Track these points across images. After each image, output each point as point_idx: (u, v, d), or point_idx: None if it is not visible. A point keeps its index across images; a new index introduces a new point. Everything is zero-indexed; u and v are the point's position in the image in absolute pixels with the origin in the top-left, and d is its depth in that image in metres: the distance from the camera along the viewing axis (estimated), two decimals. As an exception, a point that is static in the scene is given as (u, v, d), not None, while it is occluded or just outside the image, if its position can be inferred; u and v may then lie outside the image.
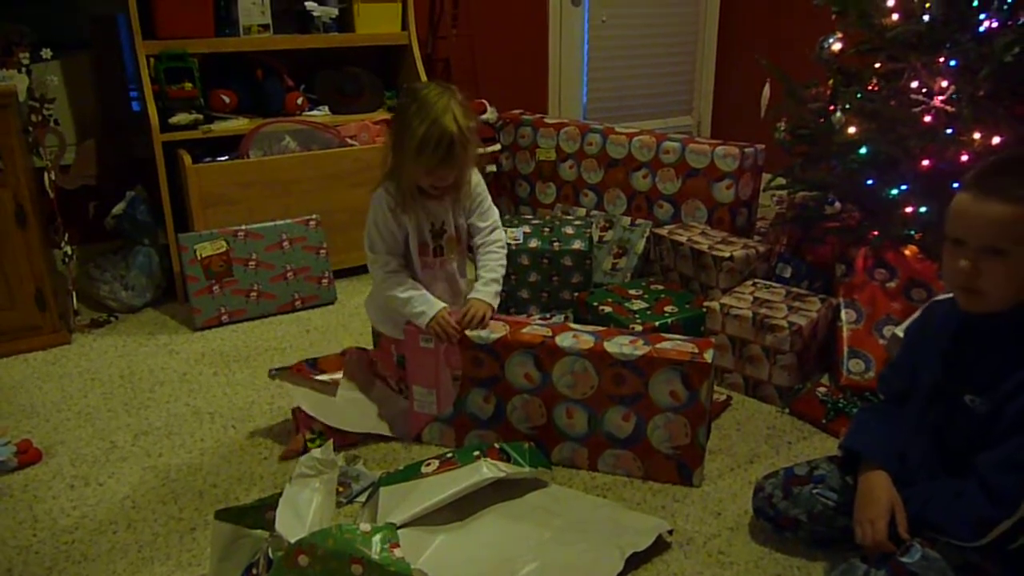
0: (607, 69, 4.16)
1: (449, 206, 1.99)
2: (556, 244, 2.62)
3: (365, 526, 1.36)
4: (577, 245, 2.62)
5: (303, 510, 1.51)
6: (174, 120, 2.72)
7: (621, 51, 4.18)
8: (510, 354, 1.84)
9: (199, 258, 2.63)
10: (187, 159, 2.70)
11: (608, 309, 2.40)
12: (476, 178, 2.05)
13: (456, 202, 2.01)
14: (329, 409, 1.95)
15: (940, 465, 1.42)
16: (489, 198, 2.09)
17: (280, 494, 1.51)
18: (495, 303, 1.98)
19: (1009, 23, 2.02)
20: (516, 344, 1.83)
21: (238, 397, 2.21)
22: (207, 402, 2.19)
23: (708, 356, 1.72)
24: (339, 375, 2.04)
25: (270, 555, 1.37)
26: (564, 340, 1.80)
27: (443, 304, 1.92)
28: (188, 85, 2.73)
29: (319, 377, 2.03)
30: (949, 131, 2.09)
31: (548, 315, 2.62)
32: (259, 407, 2.15)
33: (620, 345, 1.77)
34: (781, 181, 2.67)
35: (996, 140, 1.99)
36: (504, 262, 2.06)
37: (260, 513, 1.49)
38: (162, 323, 2.69)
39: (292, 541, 1.36)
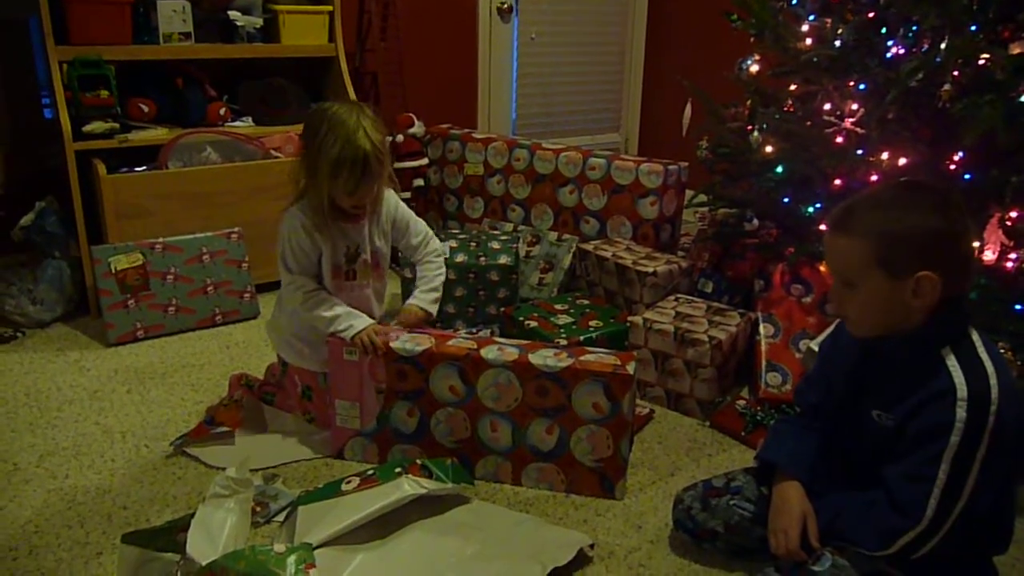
0: (537, 85, 4.21)
1: (365, 228, 1.97)
2: (483, 259, 2.62)
3: (279, 547, 1.33)
4: (504, 260, 2.62)
5: (216, 531, 1.46)
6: (88, 128, 2.62)
7: (551, 68, 4.23)
8: (435, 366, 1.82)
9: (114, 271, 2.54)
10: (102, 169, 2.60)
11: (534, 324, 2.41)
12: (395, 200, 2.05)
13: (374, 224, 2.00)
14: (236, 455, 1.86)
15: (850, 477, 1.47)
16: (413, 215, 2.11)
17: (192, 515, 1.46)
18: (432, 309, 2.04)
19: (914, 49, 2.12)
20: (441, 356, 1.82)
21: (152, 415, 2.13)
22: (119, 421, 2.10)
23: (630, 368, 1.74)
24: (236, 426, 2.00)
25: (179, 579, 1.33)
26: (489, 352, 1.80)
27: (371, 320, 1.90)
28: (104, 93, 2.64)
29: (217, 431, 1.98)
30: (859, 152, 2.17)
31: (474, 330, 2.62)
32: (175, 425, 2.07)
33: (544, 357, 1.78)
34: (703, 198, 2.73)
35: (902, 161, 2.07)
36: (443, 270, 2.11)
37: (171, 535, 1.44)
38: (73, 339, 2.58)
39: (203, 564, 1.32)
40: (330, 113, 1.80)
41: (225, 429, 1.98)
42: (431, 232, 2.12)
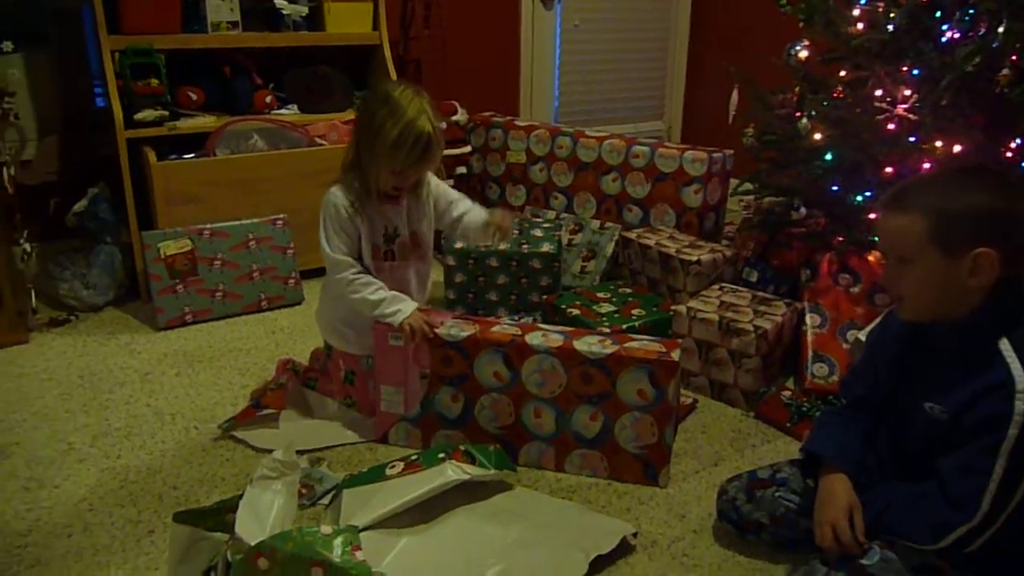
0: (579, 73, 4.18)
1: (404, 211, 1.98)
2: (525, 246, 2.62)
3: (327, 529, 1.34)
4: (546, 248, 2.62)
5: (264, 513, 1.48)
6: (139, 116, 2.67)
7: (593, 55, 4.20)
8: (479, 352, 1.83)
9: (163, 257, 2.59)
10: (152, 156, 2.65)
11: (576, 312, 2.40)
12: (434, 180, 2.06)
13: (414, 207, 2.00)
14: (282, 439, 1.89)
15: (898, 470, 1.44)
16: (450, 191, 2.12)
17: (241, 496, 1.48)
18: None
19: (971, 34, 2.06)
20: (485, 342, 1.82)
21: (201, 398, 2.17)
22: (168, 403, 2.15)
23: (675, 355, 1.74)
24: (281, 407, 2.03)
25: (229, 558, 1.35)
26: (533, 339, 1.80)
27: (416, 304, 1.91)
28: (154, 81, 2.69)
29: (263, 413, 2.01)
30: (912, 139, 2.12)
31: (517, 317, 2.62)
32: (222, 408, 2.11)
33: (589, 344, 1.78)
34: (749, 186, 2.69)
35: (957, 148, 2.02)
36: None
37: (220, 515, 1.47)
38: (124, 322, 2.65)
39: (252, 544, 1.34)
40: (394, 95, 1.82)
41: (271, 411, 2.01)
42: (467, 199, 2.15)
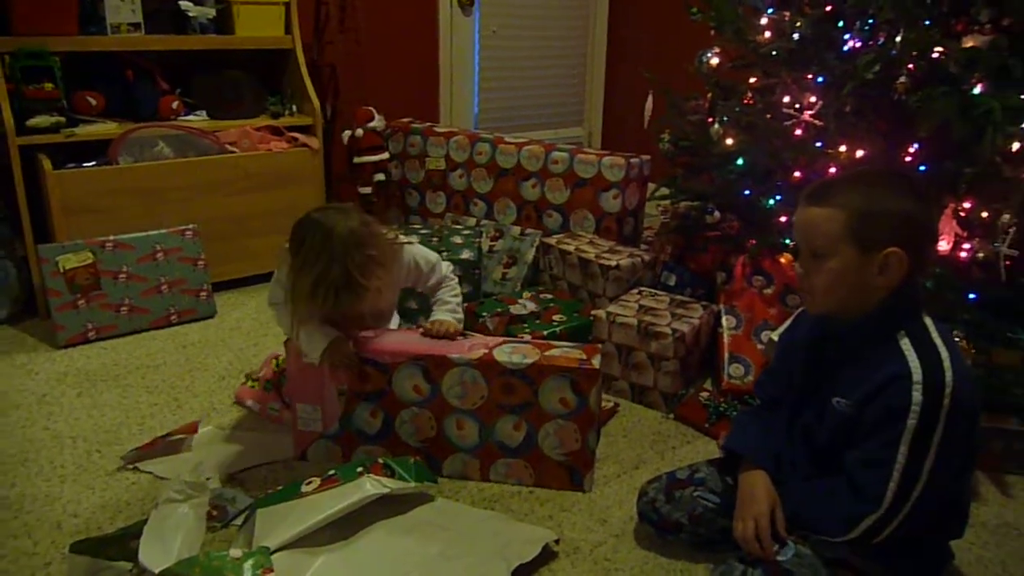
0: (499, 79, 4.18)
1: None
2: (445, 254, 2.59)
3: (236, 552, 1.29)
4: (466, 255, 2.60)
5: (169, 537, 1.42)
6: (32, 123, 2.53)
7: (512, 62, 4.21)
8: (398, 366, 1.79)
9: (62, 271, 2.46)
10: (47, 164, 2.52)
11: (497, 320, 2.38)
12: (407, 258, 1.94)
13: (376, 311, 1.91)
14: (185, 465, 1.79)
15: (811, 465, 1.47)
16: (422, 255, 2.00)
17: (145, 521, 1.41)
18: (460, 324, 1.93)
19: (870, 43, 2.14)
20: (404, 355, 1.78)
21: (104, 419, 2.07)
22: (69, 425, 2.03)
23: (596, 362, 1.74)
24: (192, 432, 1.94)
25: (132, 588, 1.28)
26: (453, 351, 1.77)
27: (337, 333, 1.80)
28: (48, 85, 2.55)
29: (173, 439, 1.91)
30: (818, 144, 2.18)
31: (437, 326, 2.58)
32: (128, 429, 2.01)
33: (509, 354, 1.76)
34: (666, 191, 2.73)
35: (860, 153, 2.09)
36: (458, 290, 2.03)
37: (123, 543, 1.40)
38: (20, 341, 2.50)
39: (156, 572, 1.27)
40: (310, 238, 1.67)
41: (180, 437, 1.92)
42: (438, 260, 2.03)
